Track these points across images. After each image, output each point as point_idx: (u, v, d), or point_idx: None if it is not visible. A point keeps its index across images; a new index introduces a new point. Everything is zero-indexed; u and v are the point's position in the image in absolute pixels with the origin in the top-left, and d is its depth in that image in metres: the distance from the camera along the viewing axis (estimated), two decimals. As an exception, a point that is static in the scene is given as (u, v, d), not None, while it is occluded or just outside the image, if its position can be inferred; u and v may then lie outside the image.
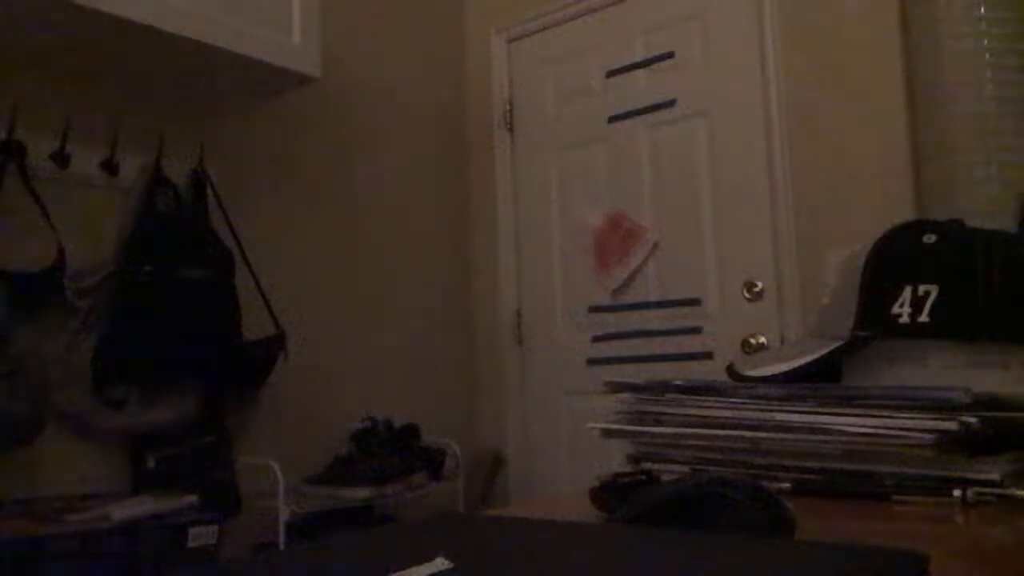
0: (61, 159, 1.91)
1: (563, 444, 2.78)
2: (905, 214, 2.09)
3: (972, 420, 0.58)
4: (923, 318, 0.69)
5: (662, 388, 0.73)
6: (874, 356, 0.72)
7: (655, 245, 2.61)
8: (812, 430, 0.64)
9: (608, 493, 0.58)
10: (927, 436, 0.59)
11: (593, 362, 2.72)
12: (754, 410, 0.67)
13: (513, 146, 3.00)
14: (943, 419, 0.59)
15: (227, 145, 2.30)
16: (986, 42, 1.91)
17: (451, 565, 0.36)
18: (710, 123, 2.53)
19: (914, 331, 0.69)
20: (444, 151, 3.01)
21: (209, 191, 2.16)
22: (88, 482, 1.92)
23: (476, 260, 3.06)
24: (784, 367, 0.73)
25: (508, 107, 3.01)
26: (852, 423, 0.62)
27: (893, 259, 0.72)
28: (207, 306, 2.02)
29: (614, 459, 2.43)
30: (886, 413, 0.61)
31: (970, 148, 1.91)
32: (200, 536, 1.64)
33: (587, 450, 2.71)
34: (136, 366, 1.90)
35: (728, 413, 0.68)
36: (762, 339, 2.39)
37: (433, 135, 2.97)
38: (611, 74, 2.76)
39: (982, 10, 1.92)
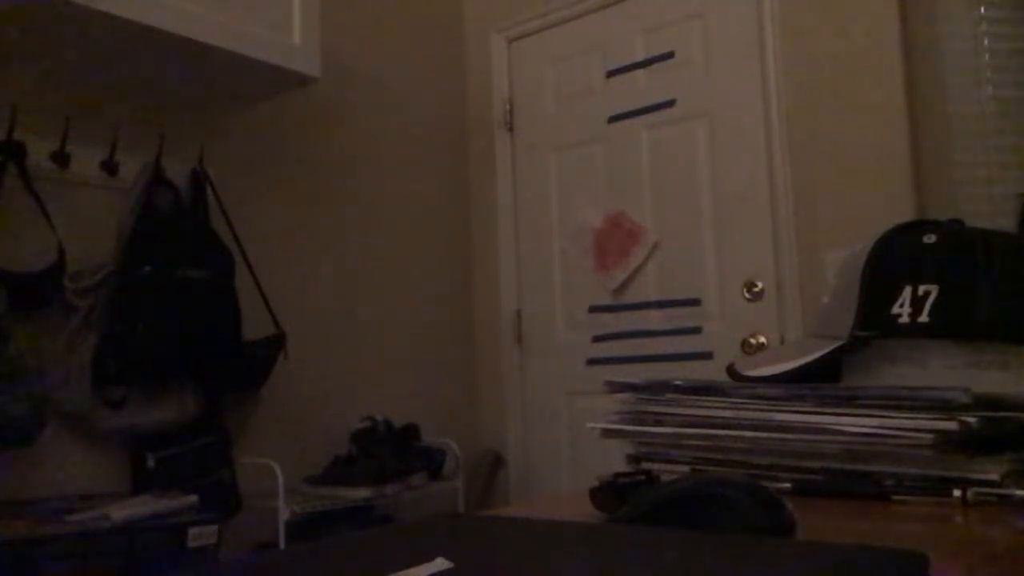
0: (61, 159, 1.91)
1: (563, 444, 2.78)
2: (905, 214, 2.09)
3: (972, 420, 0.58)
4: (923, 318, 0.69)
5: (662, 388, 0.72)
6: (874, 356, 0.72)
7: (655, 245, 2.61)
8: (812, 430, 0.64)
9: (608, 493, 0.58)
10: (927, 436, 0.59)
11: (593, 362, 2.72)
12: (754, 410, 0.67)
13: (513, 146, 3.00)
14: (943, 419, 0.59)
15: (227, 145, 2.30)
16: (986, 42, 1.91)
17: (451, 565, 0.36)
18: (710, 123, 2.53)
19: (914, 331, 0.69)
20: (444, 151, 3.01)
21: (209, 191, 2.16)
22: (88, 482, 1.92)
23: (476, 260, 3.05)
24: (784, 367, 0.73)
25: (508, 107, 3.01)
26: (852, 423, 0.62)
27: (893, 259, 0.72)
28: (207, 306, 2.02)
29: (614, 459, 2.43)
30: (886, 413, 0.61)
31: (970, 148, 1.91)
32: (200, 536, 1.64)
33: (587, 450, 2.71)
34: (136, 366, 1.90)
35: (728, 413, 0.68)
36: (762, 339, 2.39)
37: (433, 135, 2.97)
38: (611, 74, 2.76)
39: (982, 10, 1.92)
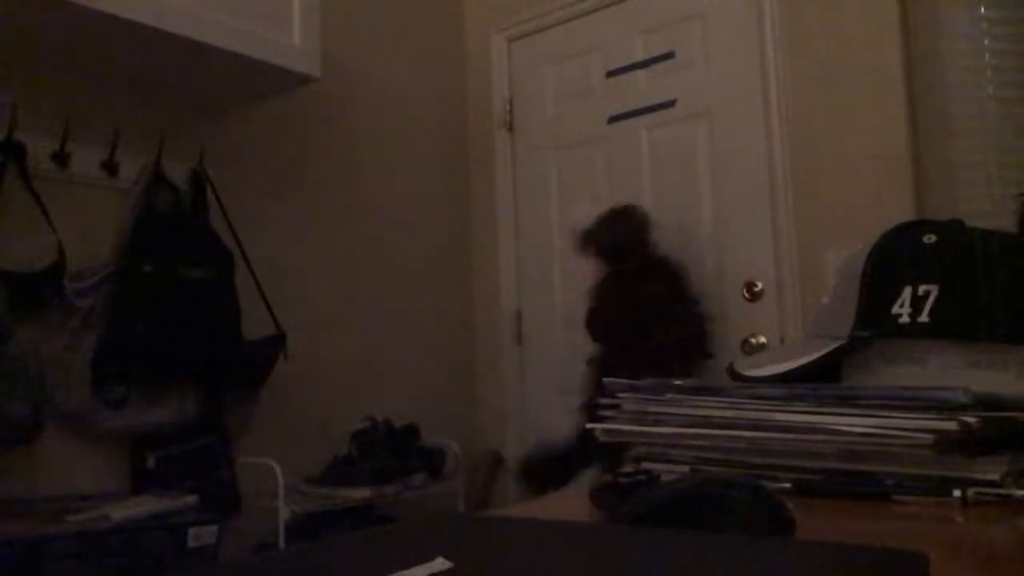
0: (61, 159, 1.91)
1: (563, 444, 2.77)
2: (905, 214, 2.09)
3: (972, 420, 0.58)
4: (923, 318, 0.69)
5: (662, 388, 0.72)
6: (874, 356, 0.72)
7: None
8: (812, 430, 0.64)
9: (608, 493, 0.58)
10: (927, 436, 0.59)
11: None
12: (754, 410, 0.67)
13: (513, 146, 3.00)
14: (943, 419, 0.59)
15: (227, 145, 2.30)
16: (986, 42, 1.91)
17: (451, 565, 0.36)
18: (710, 123, 2.53)
19: (914, 331, 0.69)
20: (444, 151, 3.01)
21: (209, 191, 2.16)
22: (88, 482, 1.92)
23: (476, 260, 3.05)
24: (784, 367, 0.73)
25: (508, 107, 3.01)
26: (852, 423, 0.62)
27: (893, 259, 0.72)
28: (207, 306, 2.02)
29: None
30: (886, 413, 0.61)
31: (970, 148, 1.91)
32: (200, 536, 1.64)
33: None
34: (136, 366, 1.90)
35: (728, 413, 0.68)
36: (762, 339, 2.39)
37: (433, 135, 2.97)
38: (611, 74, 2.76)
39: (982, 10, 1.92)
